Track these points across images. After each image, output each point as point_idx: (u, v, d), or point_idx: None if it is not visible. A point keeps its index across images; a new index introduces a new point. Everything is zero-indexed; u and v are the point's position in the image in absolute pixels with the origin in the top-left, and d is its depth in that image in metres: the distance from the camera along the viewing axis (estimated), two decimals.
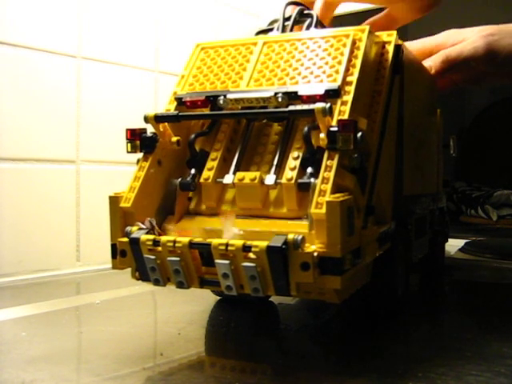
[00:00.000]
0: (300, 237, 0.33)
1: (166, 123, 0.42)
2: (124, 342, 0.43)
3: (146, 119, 0.42)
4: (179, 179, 0.42)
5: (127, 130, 0.42)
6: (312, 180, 0.37)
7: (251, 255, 0.34)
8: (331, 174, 0.35)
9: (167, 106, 0.45)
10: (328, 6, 0.53)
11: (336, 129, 0.36)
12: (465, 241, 0.95)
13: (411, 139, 0.50)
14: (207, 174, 0.42)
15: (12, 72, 0.65)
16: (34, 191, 0.68)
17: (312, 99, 0.39)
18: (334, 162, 0.36)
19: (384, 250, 0.41)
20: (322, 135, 0.36)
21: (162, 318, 0.51)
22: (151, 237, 0.37)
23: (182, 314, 0.50)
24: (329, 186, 0.35)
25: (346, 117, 0.37)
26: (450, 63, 0.60)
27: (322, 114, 0.36)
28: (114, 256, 0.40)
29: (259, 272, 0.34)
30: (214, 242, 0.35)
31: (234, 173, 0.41)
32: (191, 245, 0.36)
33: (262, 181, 0.40)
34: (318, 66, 0.41)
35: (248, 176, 0.40)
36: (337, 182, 0.35)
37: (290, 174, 0.39)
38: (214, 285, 0.37)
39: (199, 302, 0.53)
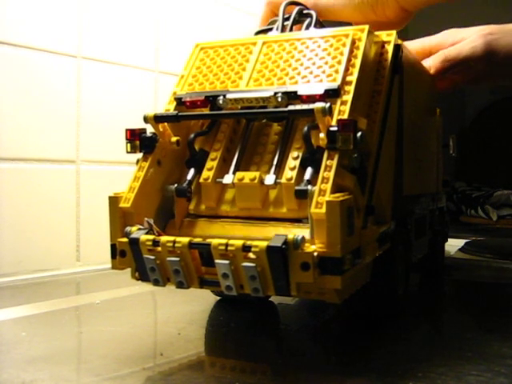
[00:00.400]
0: (300, 237, 0.33)
1: (166, 123, 0.42)
2: (124, 342, 0.43)
3: (146, 119, 0.42)
4: (175, 185, 0.42)
5: (127, 130, 0.42)
6: (309, 187, 0.36)
7: (251, 255, 0.34)
8: (331, 174, 0.35)
9: (167, 106, 0.45)
10: None
11: (336, 128, 0.36)
12: (465, 241, 0.95)
13: (411, 139, 0.50)
14: (207, 174, 0.42)
15: (12, 72, 0.65)
16: (34, 191, 0.68)
17: (312, 99, 0.39)
18: (334, 162, 0.36)
19: (384, 249, 0.41)
20: (322, 135, 0.36)
21: (162, 318, 0.51)
22: (151, 237, 0.37)
23: (181, 314, 0.50)
24: (329, 186, 0.35)
25: (345, 116, 0.37)
26: (449, 63, 0.60)
27: (322, 114, 0.36)
28: (113, 256, 0.40)
29: (259, 272, 0.34)
30: (214, 242, 0.35)
31: (234, 173, 0.41)
32: (191, 245, 0.36)
33: (261, 181, 0.40)
34: (317, 65, 0.41)
35: (248, 176, 0.40)
36: (337, 181, 0.35)
37: (289, 173, 0.39)
38: (213, 285, 0.37)
39: (199, 302, 0.53)
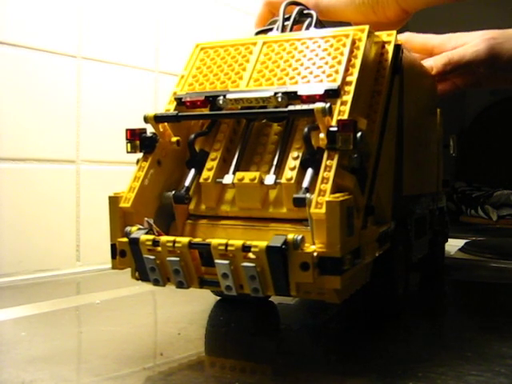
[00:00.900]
0: (300, 237, 0.33)
1: (166, 123, 0.42)
2: (124, 342, 0.43)
3: (146, 119, 0.42)
4: (173, 192, 0.42)
5: (127, 130, 0.42)
6: (307, 195, 0.36)
7: (251, 255, 0.34)
8: (331, 174, 0.35)
9: (167, 106, 0.45)
10: None
11: (336, 129, 0.36)
12: (465, 241, 0.95)
13: (411, 139, 0.50)
14: (207, 174, 0.42)
15: (12, 72, 0.65)
16: (34, 191, 0.68)
17: (312, 99, 0.39)
18: (334, 162, 0.36)
19: (384, 250, 0.41)
20: (322, 135, 0.36)
21: (162, 318, 0.51)
22: (151, 237, 0.37)
23: (181, 314, 0.50)
24: (328, 186, 0.35)
25: (345, 117, 0.37)
26: (451, 66, 0.60)
27: (322, 114, 0.36)
28: (113, 256, 0.40)
29: (259, 272, 0.34)
30: (214, 242, 0.35)
31: (234, 173, 0.41)
32: (191, 245, 0.36)
33: (261, 181, 0.40)
34: (317, 65, 0.41)
35: (248, 176, 0.40)
36: (336, 181, 0.35)
37: (289, 173, 0.39)
38: (213, 285, 0.37)
39: (199, 302, 0.53)
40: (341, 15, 0.59)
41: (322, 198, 0.34)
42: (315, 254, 0.33)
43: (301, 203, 0.36)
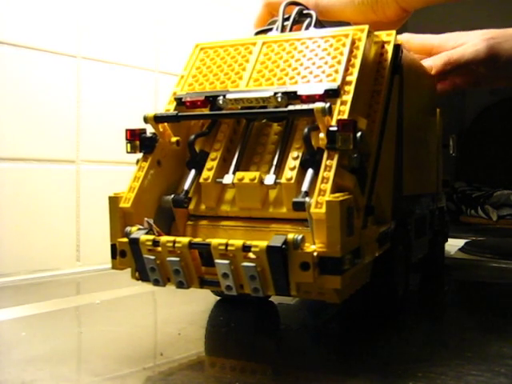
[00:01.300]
0: (300, 236, 0.33)
1: (166, 123, 0.42)
2: (124, 341, 0.43)
3: (146, 119, 0.42)
4: (172, 196, 0.42)
5: (127, 130, 0.42)
6: (307, 199, 0.36)
7: (251, 255, 0.34)
8: (331, 174, 0.35)
9: (167, 106, 0.45)
10: None
11: (335, 128, 0.36)
12: (465, 241, 0.95)
13: (411, 139, 0.50)
14: (207, 174, 0.42)
15: (12, 72, 0.65)
16: (34, 191, 0.68)
17: (311, 99, 0.39)
18: (334, 162, 0.36)
19: (384, 249, 0.41)
20: (322, 135, 0.36)
21: (162, 318, 0.51)
22: (151, 237, 0.37)
23: (182, 314, 0.50)
24: (328, 186, 0.35)
25: (345, 116, 0.37)
26: (451, 65, 0.60)
27: (322, 114, 0.36)
28: (113, 256, 0.40)
29: (259, 272, 0.34)
30: (214, 242, 0.35)
31: (234, 173, 0.41)
32: (191, 245, 0.36)
33: (261, 181, 0.40)
34: (317, 65, 0.41)
35: (248, 176, 0.40)
36: (336, 181, 0.35)
37: (289, 173, 0.39)
38: (213, 285, 0.37)
39: (199, 303, 0.53)
40: (340, 15, 0.59)
41: (322, 197, 0.34)
42: (315, 253, 0.33)
43: (300, 207, 0.36)
